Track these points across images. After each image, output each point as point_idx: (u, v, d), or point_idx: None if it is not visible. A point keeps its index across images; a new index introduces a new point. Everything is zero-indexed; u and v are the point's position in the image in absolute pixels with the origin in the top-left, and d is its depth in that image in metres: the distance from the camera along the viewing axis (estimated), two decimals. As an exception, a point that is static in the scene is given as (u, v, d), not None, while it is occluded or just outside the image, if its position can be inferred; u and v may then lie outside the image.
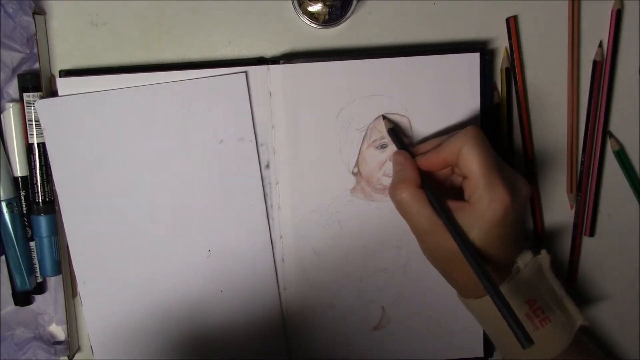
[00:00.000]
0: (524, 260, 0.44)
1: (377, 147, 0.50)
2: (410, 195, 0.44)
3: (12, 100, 0.50)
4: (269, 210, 0.50)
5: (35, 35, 0.48)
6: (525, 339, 0.39)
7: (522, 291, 0.44)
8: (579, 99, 0.52)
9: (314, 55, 0.51)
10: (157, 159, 0.49)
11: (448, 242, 0.43)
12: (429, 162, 0.45)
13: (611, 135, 0.53)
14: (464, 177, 0.44)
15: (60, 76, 0.49)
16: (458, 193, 0.45)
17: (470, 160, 0.42)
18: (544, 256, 0.45)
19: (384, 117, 0.49)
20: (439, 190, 0.45)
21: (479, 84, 0.49)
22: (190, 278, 0.51)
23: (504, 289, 0.43)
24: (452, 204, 0.44)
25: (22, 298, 0.52)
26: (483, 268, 0.41)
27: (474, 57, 0.49)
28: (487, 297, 0.43)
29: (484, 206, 0.42)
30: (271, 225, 0.51)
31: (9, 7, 0.47)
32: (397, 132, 0.48)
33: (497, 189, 0.42)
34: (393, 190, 0.45)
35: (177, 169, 0.49)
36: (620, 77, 0.52)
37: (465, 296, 0.47)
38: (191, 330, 0.52)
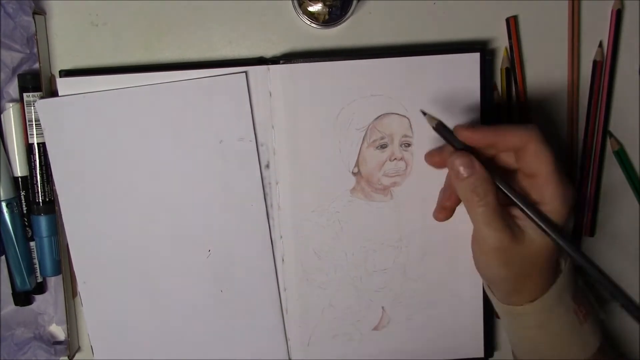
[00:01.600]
0: (564, 256, 0.45)
1: (377, 147, 0.50)
2: (491, 207, 0.42)
3: (12, 100, 0.50)
4: (269, 210, 0.50)
5: (35, 35, 0.48)
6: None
7: (570, 287, 0.44)
8: (579, 99, 0.52)
9: (314, 55, 0.51)
10: (157, 159, 0.49)
11: (535, 244, 0.42)
12: (476, 134, 0.43)
13: (611, 135, 0.53)
14: (532, 176, 0.43)
15: (60, 76, 0.49)
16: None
17: (541, 158, 0.42)
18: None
19: (424, 112, 0.46)
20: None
21: (479, 84, 0.49)
22: (190, 278, 0.51)
23: (559, 285, 0.44)
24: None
25: (22, 298, 0.52)
26: (575, 246, 0.41)
27: (474, 57, 0.49)
28: (547, 296, 0.43)
29: (558, 205, 0.42)
30: (271, 225, 0.51)
31: (9, 7, 0.47)
32: (445, 126, 0.45)
33: (567, 186, 0.42)
34: (471, 203, 0.43)
35: (177, 169, 0.49)
36: (620, 77, 0.52)
37: (521, 303, 0.45)
38: (191, 330, 0.52)
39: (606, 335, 0.51)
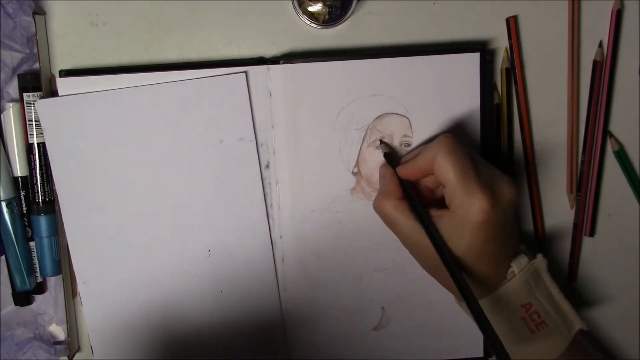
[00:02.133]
0: (519, 264, 0.44)
1: (377, 147, 0.50)
2: (392, 206, 0.46)
3: (12, 100, 0.50)
4: (269, 210, 0.50)
5: (35, 35, 0.48)
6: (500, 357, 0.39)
7: (518, 295, 0.43)
8: (579, 99, 0.52)
9: (314, 55, 0.51)
10: (157, 159, 0.49)
11: (456, 248, 0.43)
12: (407, 171, 0.46)
13: (611, 135, 0.53)
14: (443, 186, 0.44)
15: (60, 76, 0.49)
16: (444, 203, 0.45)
17: (444, 168, 0.42)
18: (539, 260, 0.45)
19: (381, 141, 0.50)
20: (426, 200, 0.46)
21: (479, 84, 0.49)
22: (190, 278, 0.51)
23: (498, 293, 0.43)
24: (435, 212, 0.44)
25: (22, 298, 0.52)
26: (459, 278, 0.41)
27: (474, 57, 0.49)
28: (484, 300, 0.43)
29: (464, 212, 0.42)
30: (271, 225, 0.51)
31: (9, 7, 0.47)
32: (392, 156, 0.49)
33: (474, 194, 0.41)
34: (376, 203, 0.47)
35: (177, 169, 0.49)
36: (620, 77, 0.52)
37: (462, 300, 0.46)
38: (191, 330, 0.52)
39: (596, 341, 0.50)
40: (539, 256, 0.45)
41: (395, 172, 0.47)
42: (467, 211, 0.42)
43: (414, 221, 0.44)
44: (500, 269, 0.44)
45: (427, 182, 0.47)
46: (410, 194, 0.46)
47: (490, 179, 0.43)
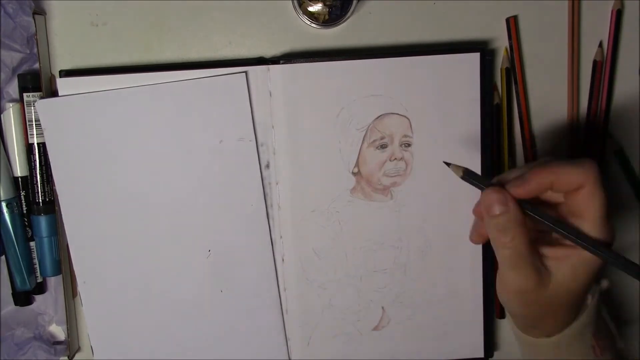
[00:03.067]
0: (592, 290, 0.42)
1: (377, 147, 0.50)
2: (524, 244, 0.39)
3: (12, 100, 0.50)
4: (269, 210, 0.50)
5: (35, 35, 0.48)
6: None
7: (592, 324, 0.42)
8: (579, 99, 0.52)
9: (314, 55, 0.51)
10: (157, 159, 0.49)
11: (562, 288, 0.40)
12: (527, 186, 0.39)
13: (611, 135, 0.53)
14: (576, 215, 0.40)
15: (60, 76, 0.49)
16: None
17: (593, 202, 0.38)
18: (605, 284, 0.43)
19: (448, 164, 0.43)
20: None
21: (479, 84, 0.49)
22: (190, 278, 0.51)
23: (581, 321, 0.42)
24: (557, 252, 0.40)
25: (22, 298, 0.52)
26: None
27: (474, 57, 0.49)
28: (568, 331, 0.41)
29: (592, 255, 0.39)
30: (271, 225, 0.51)
31: (9, 7, 0.47)
32: (473, 173, 0.42)
33: (610, 235, 0.39)
34: (501, 240, 0.39)
35: (177, 169, 0.49)
36: (620, 77, 0.52)
37: (537, 336, 0.43)
38: (191, 330, 0.52)
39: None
40: (604, 281, 0.43)
41: (514, 200, 0.39)
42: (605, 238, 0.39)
43: (539, 261, 0.40)
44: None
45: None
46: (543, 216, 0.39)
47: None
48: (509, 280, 0.40)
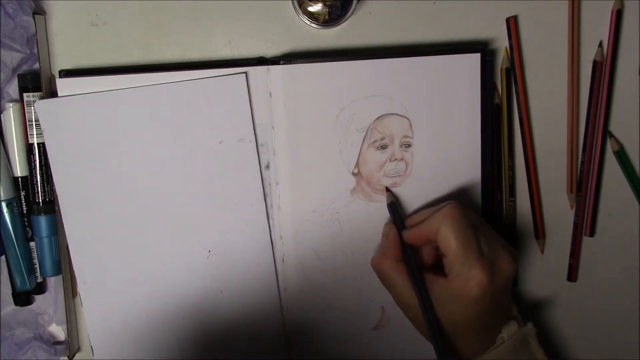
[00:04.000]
0: (509, 331, 0.44)
1: (377, 148, 0.50)
2: (390, 267, 0.47)
3: (12, 100, 0.50)
4: (269, 210, 0.51)
5: (35, 35, 0.48)
6: None
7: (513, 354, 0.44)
8: (579, 99, 0.52)
9: (314, 55, 0.51)
10: (157, 160, 0.49)
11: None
12: (410, 237, 0.47)
13: (611, 135, 0.53)
14: (444, 255, 0.45)
15: (60, 76, 0.49)
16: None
17: (447, 240, 0.43)
18: (529, 328, 0.45)
19: (387, 189, 0.50)
20: (426, 262, 0.48)
21: (479, 84, 0.49)
22: (190, 278, 0.51)
23: (487, 357, 0.43)
24: (430, 278, 0.45)
25: (22, 298, 0.52)
26: (440, 348, 0.43)
27: (475, 58, 0.49)
28: None
29: (460, 285, 0.43)
30: (271, 225, 0.51)
31: (9, 7, 0.47)
32: (395, 206, 0.49)
33: (473, 270, 0.42)
34: (375, 261, 0.48)
35: (177, 170, 0.49)
36: (620, 77, 0.52)
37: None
38: (191, 331, 0.52)
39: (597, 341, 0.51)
40: (530, 324, 0.45)
41: (399, 233, 0.48)
42: (464, 284, 0.42)
43: (409, 283, 0.46)
44: (490, 335, 0.44)
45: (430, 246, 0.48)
46: (409, 256, 0.47)
47: (492, 253, 0.44)
48: (394, 295, 0.48)
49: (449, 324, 0.44)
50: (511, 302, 0.47)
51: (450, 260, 0.43)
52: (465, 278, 0.42)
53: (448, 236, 0.43)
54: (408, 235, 0.47)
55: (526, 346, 0.45)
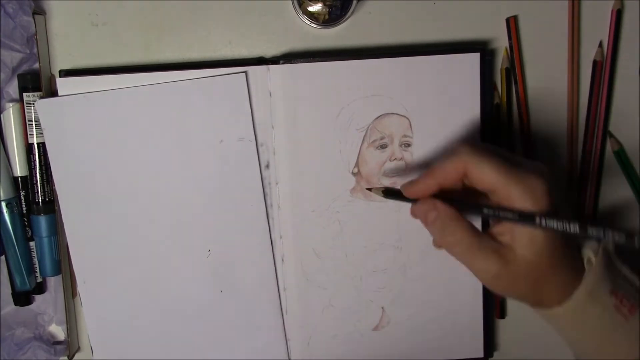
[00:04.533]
0: (593, 249, 0.41)
1: (377, 147, 0.50)
2: (465, 236, 0.41)
3: (12, 100, 0.50)
4: (269, 210, 0.50)
5: (35, 35, 0.48)
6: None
7: (605, 282, 0.41)
8: (579, 99, 0.52)
9: (314, 55, 0.51)
10: (157, 159, 0.49)
11: (524, 258, 0.40)
12: (419, 188, 0.43)
13: (611, 135, 0.53)
14: (491, 192, 0.41)
15: (60, 76, 0.49)
16: None
17: (484, 173, 0.40)
18: (607, 241, 0.42)
19: (369, 189, 0.49)
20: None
21: (479, 84, 0.49)
22: (190, 278, 0.51)
23: (588, 283, 0.41)
24: (504, 226, 0.41)
25: (22, 298, 0.52)
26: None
27: (474, 57, 0.49)
28: (577, 296, 0.41)
29: (530, 200, 0.39)
30: (271, 225, 0.51)
31: (9, 7, 0.47)
32: (392, 190, 0.46)
33: (530, 182, 0.39)
34: (442, 242, 0.42)
35: (177, 169, 0.49)
36: (620, 77, 0.52)
37: (552, 307, 0.42)
38: (191, 330, 0.51)
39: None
40: (604, 239, 0.41)
41: (439, 200, 0.42)
42: (533, 196, 0.39)
43: (493, 242, 0.41)
44: (577, 260, 0.42)
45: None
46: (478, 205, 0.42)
47: (527, 164, 0.41)
48: (479, 271, 0.41)
49: (540, 261, 0.40)
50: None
51: (503, 189, 0.39)
52: (530, 190, 0.39)
53: (484, 169, 0.40)
54: (416, 185, 0.42)
55: (612, 264, 0.42)
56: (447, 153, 0.42)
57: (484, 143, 0.42)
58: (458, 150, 0.41)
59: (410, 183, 0.43)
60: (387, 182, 0.50)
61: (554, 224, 0.38)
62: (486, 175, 0.40)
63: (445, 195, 0.43)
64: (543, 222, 0.39)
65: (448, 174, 0.42)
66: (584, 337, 0.43)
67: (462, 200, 0.43)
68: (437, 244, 0.44)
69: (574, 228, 0.38)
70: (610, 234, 0.38)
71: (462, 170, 0.41)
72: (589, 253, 0.42)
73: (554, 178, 0.41)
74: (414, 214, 0.44)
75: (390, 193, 0.46)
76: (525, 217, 0.39)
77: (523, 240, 0.40)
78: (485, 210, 0.41)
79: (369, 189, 0.49)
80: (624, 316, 0.41)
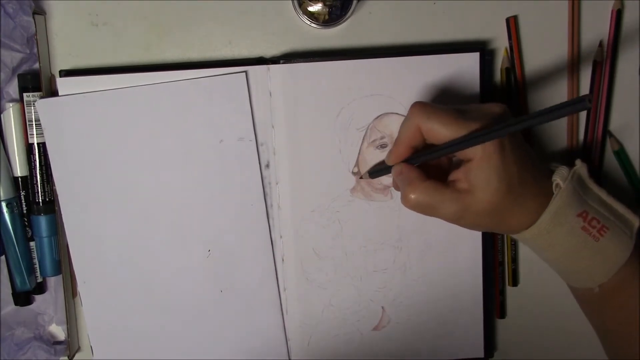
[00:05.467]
0: (561, 175, 0.43)
1: (377, 147, 0.50)
2: (422, 190, 0.43)
3: (12, 100, 0.50)
4: (269, 210, 0.50)
5: (35, 35, 0.48)
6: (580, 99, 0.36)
7: (571, 206, 0.43)
8: (579, 99, 0.52)
9: (314, 55, 0.51)
10: (157, 159, 0.49)
11: (483, 198, 0.42)
12: (397, 152, 0.45)
13: (611, 135, 0.53)
14: (436, 139, 0.43)
15: (60, 76, 0.49)
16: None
17: (434, 130, 0.42)
18: (579, 166, 0.44)
19: (360, 178, 0.50)
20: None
21: (479, 84, 0.49)
22: (190, 278, 0.51)
23: (552, 208, 0.43)
24: (459, 172, 0.43)
25: (22, 298, 0.52)
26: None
27: (474, 57, 0.49)
28: (541, 221, 0.43)
29: (481, 149, 0.41)
30: (271, 225, 0.51)
31: (9, 7, 0.47)
32: (375, 169, 0.49)
33: (474, 128, 0.41)
34: (405, 198, 0.44)
35: (177, 169, 0.49)
36: (620, 77, 0.52)
37: (520, 233, 0.45)
38: (191, 330, 0.51)
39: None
40: (578, 161, 0.44)
41: (403, 163, 0.45)
42: (482, 148, 0.41)
43: (450, 190, 0.43)
44: (543, 187, 0.44)
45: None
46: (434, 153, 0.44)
47: (479, 112, 0.43)
48: (443, 216, 0.44)
49: (504, 192, 0.42)
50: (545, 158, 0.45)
51: (446, 131, 0.42)
52: (482, 145, 0.41)
53: (433, 126, 0.42)
54: (393, 154, 0.45)
55: (585, 187, 0.44)
56: (405, 118, 0.45)
57: (432, 102, 0.44)
58: (410, 113, 0.43)
59: (389, 153, 0.46)
60: (387, 182, 0.50)
61: (498, 128, 0.40)
62: (436, 131, 0.42)
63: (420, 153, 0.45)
64: (487, 132, 0.40)
65: (409, 137, 0.44)
66: (556, 257, 0.45)
67: (426, 151, 0.45)
68: (403, 200, 0.45)
69: (522, 123, 0.39)
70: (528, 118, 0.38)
71: (418, 130, 0.43)
72: (558, 179, 0.43)
73: (509, 116, 0.43)
74: (394, 184, 0.49)
75: (374, 172, 0.49)
76: (475, 137, 0.41)
77: (479, 183, 0.42)
78: (443, 147, 0.42)
79: (360, 177, 0.50)
80: (594, 237, 0.43)
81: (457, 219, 0.44)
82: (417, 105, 0.43)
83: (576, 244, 0.43)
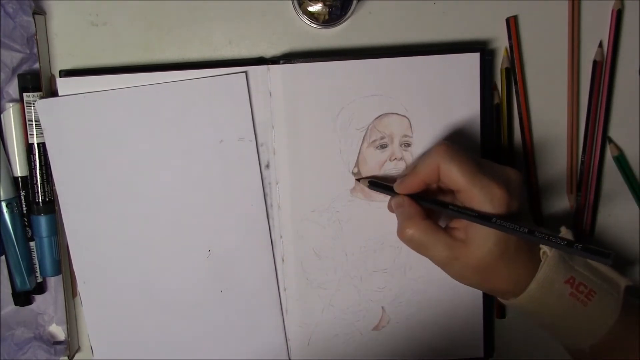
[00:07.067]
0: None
1: (377, 147, 0.50)
2: (420, 229, 0.44)
3: (12, 100, 0.50)
4: (269, 210, 0.50)
5: (35, 35, 0.48)
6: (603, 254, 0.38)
7: (558, 273, 0.44)
8: (579, 99, 0.52)
9: (314, 55, 0.51)
10: (157, 159, 0.49)
11: (475, 254, 0.43)
12: (407, 185, 0.46)
13: (611, 141, 0.53)
14: (456, 191, 0.44)
15: (60, 76, 0.49)
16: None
17: (452, 174, 0.43)
18: (565, 232, 0.45)
19: (358, 180, 0.50)
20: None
21: (479, 84, 0.49)
22: (190, 278, 0.51)
23: (540, 276, 0.43)
24: (460, 222, 0.45)
25: (22, 298, 0.52)
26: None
27: (474, 57, 0.49)
28: (529, 289, 0.44)
29: (488, 208, 0.42)
30: (271, 225, 0.51)
31: (9, 7, 0.47)
32: (377, 182, 0.49)
33: (491, 189, 0.42)
34: (402, 232, 0.45)
35: (177, 169, 0.49)
36: (620, 77, 0.52)
37: (508, 298, 0.46)
38: (191, 331, 0.52)
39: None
40: (563, 229, 0.46)
41: (407, 197, 0.46)
42: (491, 206, 0.42)
43: (445, 235, 0.44)
44: (533, 254, 0.44)
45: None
46: (437, 201, 0.45)
47: (495, 172, 0.44)
48: (432, 257, 0.45)
49: (496, 258, 0.43)
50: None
51: (466, 192, 0.43)
52: (489, 200, 0.42)
53: (452, 171, 0.43)
54: (404, 184, 0.46)
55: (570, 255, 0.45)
56: (426, 152, 0.46)
57: (459, 146, 0.44)
58: (434, 150, 0.44)
59: (401, 181, 0.46)
60: (387, 182, 0.50)
61: (507, 226, 0.42)
62: (454, 175, 0.43)
63: (427, 192, 0.47)
64: (498, 222, 0.42)
65: (427, 173, 0.45)
66: (545, 322, 0.46)
67: (431, 197, 0.47)
68: (399, 232, 0.46)
69: (522, 230, 0.41)
70: (553, 240, 0.41)
71: (436, 169, 0.44)
72: (545, 247, 0.44)
73: (522, 185, 0.45)
74: (389, 207, 0.49)
75: (375, 185, 0.49)
76: (482, 218, 0.42)
77: (476, 239, 0.43)
78: (450, 207, 0.44)
79: (358, 179, 0.50)
80: (582, 302, 0.44)
81: (445, 265, 0.45)
82: (444, 146, 0.44)
83: (565, 309, 0.44)
